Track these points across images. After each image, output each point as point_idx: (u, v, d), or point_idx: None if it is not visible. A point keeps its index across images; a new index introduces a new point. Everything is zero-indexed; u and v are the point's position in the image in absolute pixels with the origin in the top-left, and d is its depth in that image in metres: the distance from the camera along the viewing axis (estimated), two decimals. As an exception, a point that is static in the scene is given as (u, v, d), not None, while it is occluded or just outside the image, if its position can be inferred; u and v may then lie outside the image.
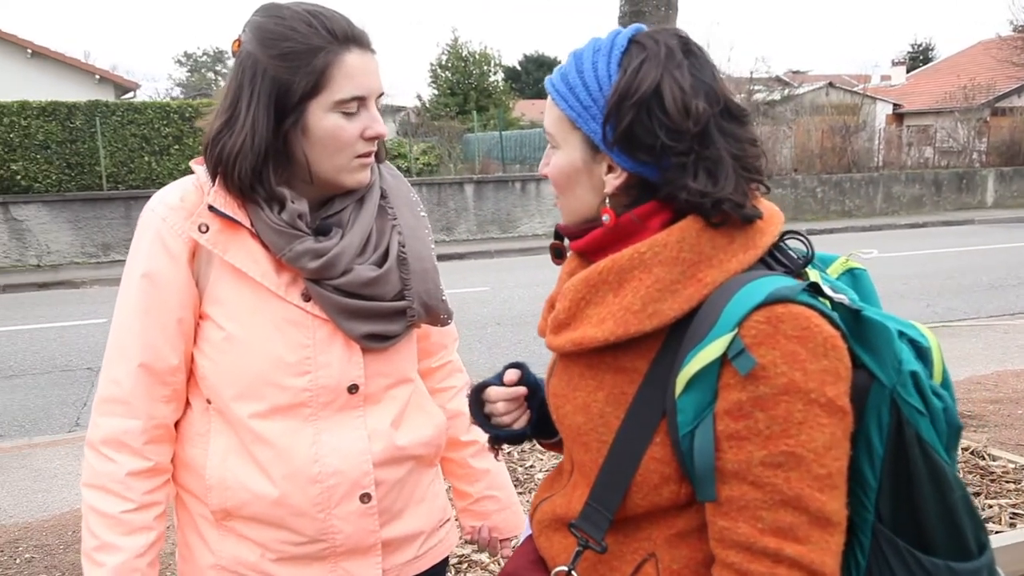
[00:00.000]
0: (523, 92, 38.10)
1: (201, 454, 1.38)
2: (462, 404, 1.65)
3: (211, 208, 1.31)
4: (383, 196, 1.45)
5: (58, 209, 13.40)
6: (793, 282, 0.99)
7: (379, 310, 1.38)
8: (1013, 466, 3.98)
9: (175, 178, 1.57)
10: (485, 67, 31.80)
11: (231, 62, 1.35)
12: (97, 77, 19.24)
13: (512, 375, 1.29)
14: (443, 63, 31.88)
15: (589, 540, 1.07)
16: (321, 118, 1.29)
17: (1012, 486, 3.74)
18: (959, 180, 20.04)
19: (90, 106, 13.81)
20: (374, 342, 1.39)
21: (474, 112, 23.37)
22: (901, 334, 1.00)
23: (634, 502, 1.04)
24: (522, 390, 1.29)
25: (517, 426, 1.31)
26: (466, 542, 1.70)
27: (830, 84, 29.04)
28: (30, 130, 13.45)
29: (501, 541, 1.72)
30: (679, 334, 1.01)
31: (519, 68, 39.95)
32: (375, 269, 1.37)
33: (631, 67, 1.02)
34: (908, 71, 36.09)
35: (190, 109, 14.60)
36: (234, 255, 1.33)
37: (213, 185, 1.33)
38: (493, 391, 1.30)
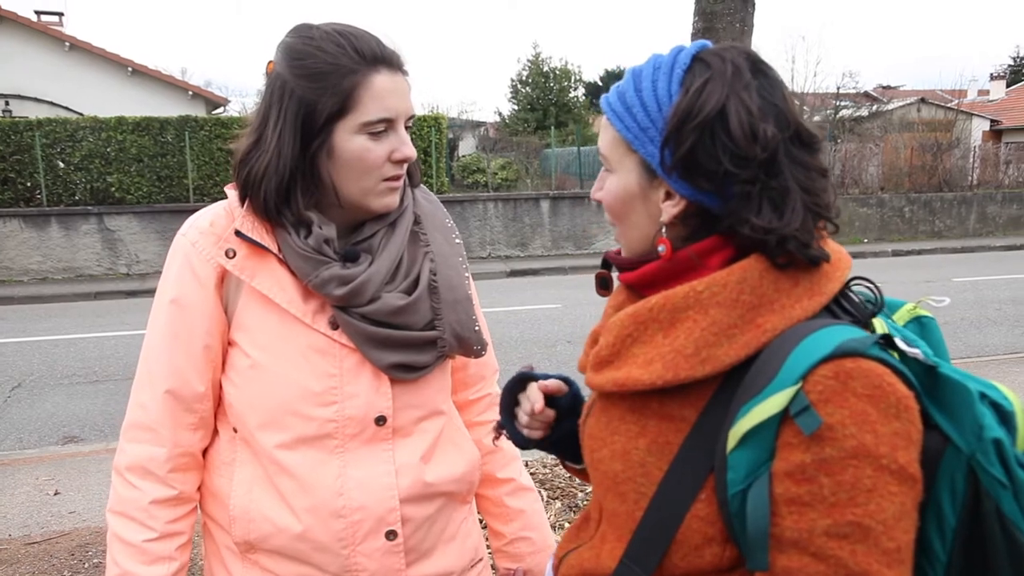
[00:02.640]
0: (603, 108, 37.92)
1: (227, 484, 1.36)
2: (500, 440, 1.59)
3: (238, 233, 1.29)
4: (416, 222, 1.41)
5: (147, 220, 13.95)
6: (862, 333, 0.90)
7: (408, 340, 1.33)
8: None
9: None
10: (565, 83, 31.85)
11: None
12: (190, 93, 19.97)
13: (552, 385, 1.21)
14: (523, 79, 32.07)
15: None
16: (347, 140, 1.26)
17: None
18: (1062, 200, 18.97)
19: (180, 121, 14.33)
20: (402, 372, 1.34)
21: (552, 128, 23.39)
22: (983, 396, 0.89)
23: (672, 562, 0.96)
24: (549, 413, 1.23)
25: (529, 433, 1.25)
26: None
27: (922, 100, 28.00)
28: (125, 144, 14.03)
29: None
30: (733, 383, 0.93)
31: (599, 83, 39.86)
32: (404, 297, 1.32)
33: (694, 86, 0.94)
34: (1009, 85, 34.55)
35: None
36: (261, 281, 1.30)
37: (243, 209, 1.31)
38: (532, 391, 1.23)
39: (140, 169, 14.19)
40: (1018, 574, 0.86)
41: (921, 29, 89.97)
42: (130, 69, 18.94)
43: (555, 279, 13.51)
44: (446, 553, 1.44)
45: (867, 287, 1.00)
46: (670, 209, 0.98)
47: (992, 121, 28.72)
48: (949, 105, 26.21)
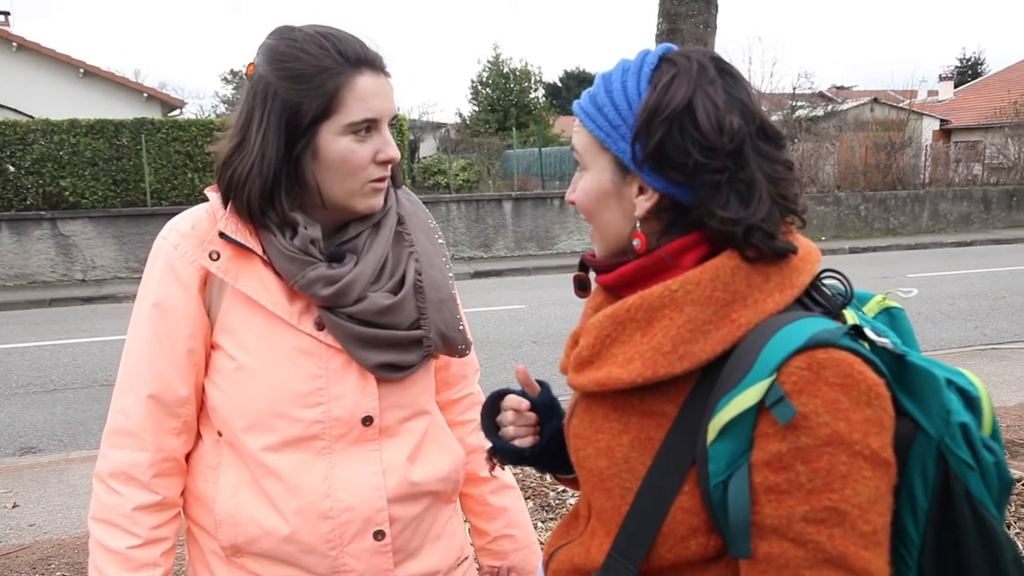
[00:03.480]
0: (563, 108, 38.18)
1: (212, 488, 1.35)
2: (482, 438, 1.60)
3: (222, 235, 1.28)
4: (400, 222, 1.41)
5: (103, 224, 13.66)
6: (833, 324, 0.93)
7: (394, 339, 1.33)
8: (1068, 499, 3.79)
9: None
10: (526, 84, 31.92)
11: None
12: (145, 95, 19.63)
13: (526, 377, 1.25)
14: (484, 80, 32.07)
15: None
16: (332, 141, 1.26)
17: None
18: (1009, 198, 19.45)
19: (136, 124, 14.05)
20: (389, 372, 1.34)
21: (513, 129, 23.44)
22: (949, 382, 0.93)
23: (659, 554, 0.98)
24: (531, 415, 1.25)
25: (521, 444, 1.25)
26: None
27: (875, 100, 28.62)
28: (79, 147, 13.71)
29: None
30: (711, 377, 0.95)
31: (559, 84, 40.03)
32: (390, 297, 1.33)
33: (661, 83, 0.98)
34: (956, 86, 35.44)
35: (232, 126, 14.79)
36: (245, 283, 1.29)
37: (225, 211, 1.30)
38: (511, 399, 1.26)
39: (95, 173, 13.88)
40: (988, 551, 0.89)
41: (874, 32, 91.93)
42: (82, 70, 18.57)
43: (519, 280, 13.54)
44: (433, 552, 1.44)
45: (837, 279, 1.03)
46: (644, 203, 1.01)
47: (942, 121, 29.45)
48: (901, 105, 26.81)
